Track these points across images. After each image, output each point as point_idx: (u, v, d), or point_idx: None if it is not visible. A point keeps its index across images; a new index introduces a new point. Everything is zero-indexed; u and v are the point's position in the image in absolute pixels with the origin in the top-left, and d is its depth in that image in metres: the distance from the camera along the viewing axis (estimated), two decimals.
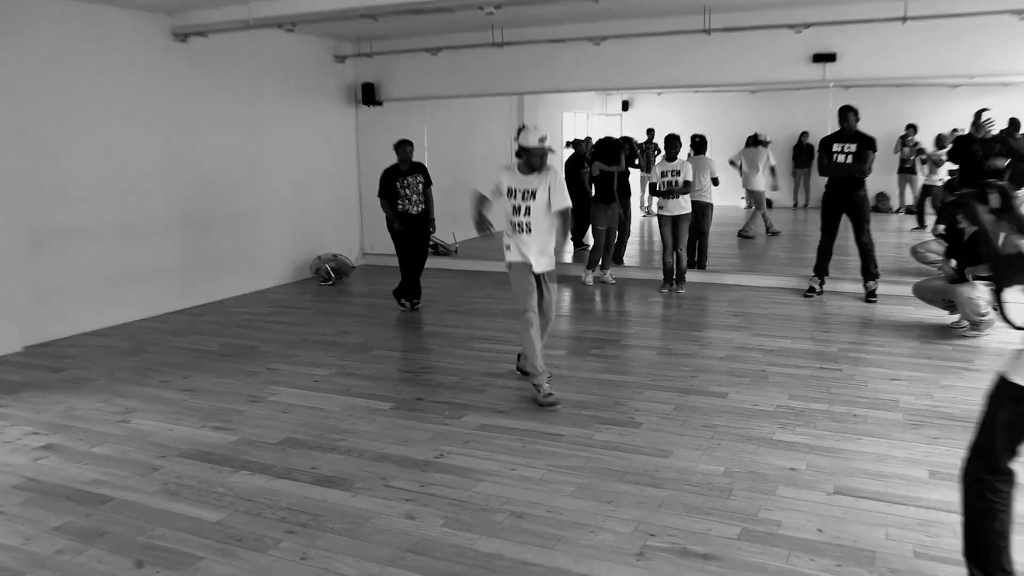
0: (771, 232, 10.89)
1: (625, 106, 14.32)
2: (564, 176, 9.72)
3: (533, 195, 4.43)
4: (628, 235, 8.71)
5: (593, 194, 8.06)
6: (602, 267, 8.09)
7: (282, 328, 6.43)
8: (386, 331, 6.57)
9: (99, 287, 6.43)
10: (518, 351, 4.96)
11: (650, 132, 12.62)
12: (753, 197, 10.87)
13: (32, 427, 4.17)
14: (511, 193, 4.45)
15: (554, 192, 4.42)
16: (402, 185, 6.89)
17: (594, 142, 9.31)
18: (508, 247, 4.49)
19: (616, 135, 9.64)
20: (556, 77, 8.39)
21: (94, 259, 6.37)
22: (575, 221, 9.94)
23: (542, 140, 4.37)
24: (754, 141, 10.85)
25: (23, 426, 4.20)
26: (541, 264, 4.48)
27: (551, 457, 3.68)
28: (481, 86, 8.67)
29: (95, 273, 6.40)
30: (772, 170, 10.91)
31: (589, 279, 8.10)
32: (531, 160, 4.38)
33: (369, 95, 9.10)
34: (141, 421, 4.27)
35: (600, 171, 7.91)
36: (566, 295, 7.86)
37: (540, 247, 4.46)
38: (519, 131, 4.47)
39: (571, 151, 10.00)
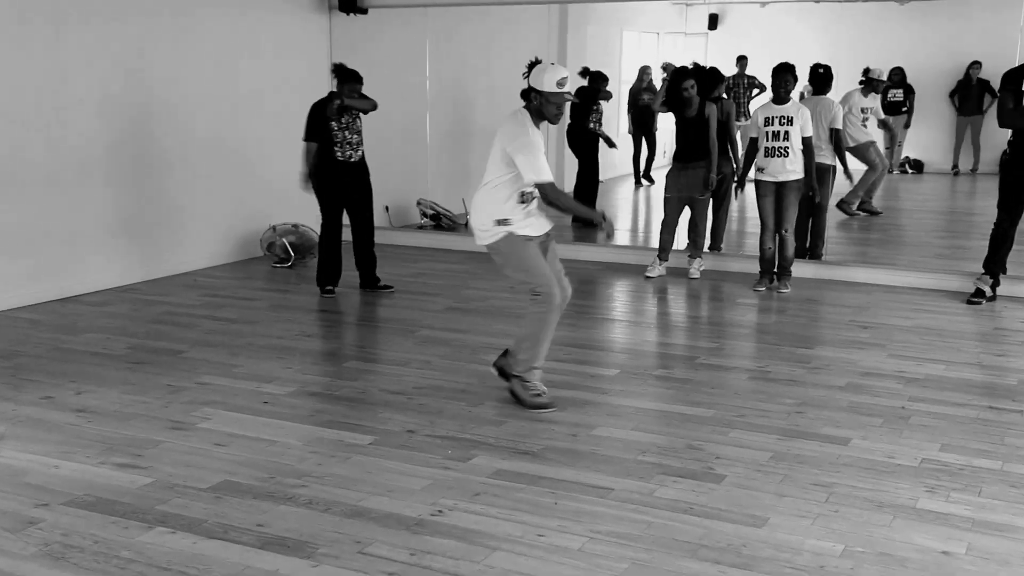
0: (850, 210, 10.51)
1: (713, 22, 14.21)
2: (571, 120, 9.95)
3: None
4: (726, 208, 8.64)
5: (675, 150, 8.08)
6: (690, 256, 8.07)
7: (218, 326, 6.47)
8: (366, 334, 6.58)
9: None
10: (508, 346, 5.04)
11: (741, 61, 12.51)
12: (859, 155, 10.65)
13: None
14: None
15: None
16: (339, 126, 7.04)
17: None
18: (506, 221, 4.71)
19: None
20: None
21: None
22: (583, 182, 10.08)
23: (562, 83, 4.62)
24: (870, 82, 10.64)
25: None
26: (545, 224, 4.88)
27: (595, 520, 3.67)
28: None
29: None
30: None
31: (654, 271, 8.09)
32: (548, 110, 4.66)
33: None
34: (13, 453, 4.29)
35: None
36: (621, 293, 7.84)
37: (536, 209, 4.87)
38: (532, 66, 4.70)
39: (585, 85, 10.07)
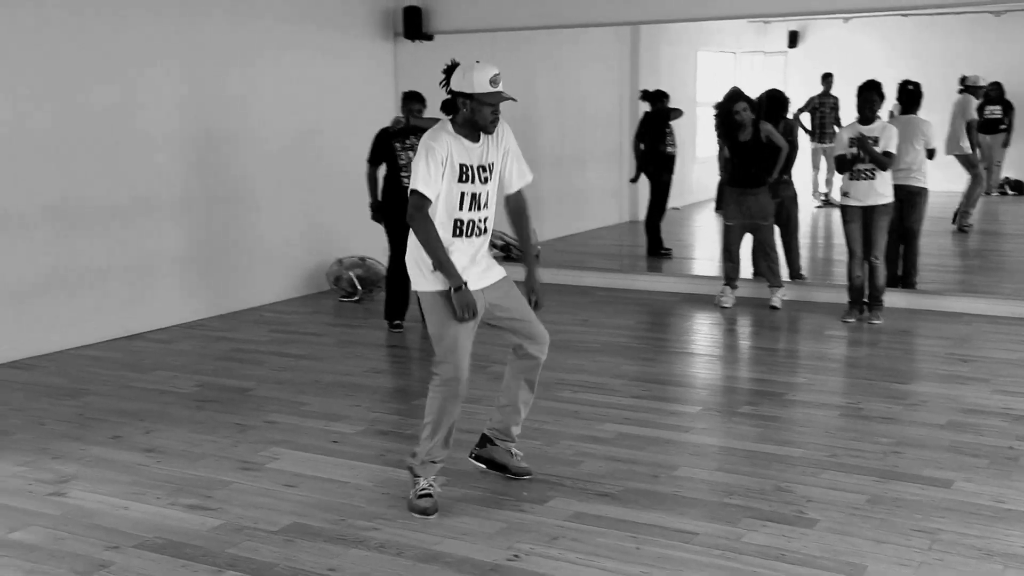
0: (961, 226, 10.42)
1: (793, 40, 14.16)
2: (640, 141, 9.91)
3: (490, 172, 4.21)
4: (795, 235, 8.57)
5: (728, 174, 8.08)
6: (770, 285, 8.01)
7: (286, 363, 6.57)
8: None
9: (23, 298, 6.71)
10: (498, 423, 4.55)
11: (827, 79, 12.43)
12: (964, 164, 10.52)
13: None
14: (464, 174, 4.09)
15: (516, 159, 4.32)
16: (403, 147, 7.11)
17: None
18: (434, 266, 4.07)
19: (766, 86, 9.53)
20: None
21: (17, 258, 6.65)
22: (652, 208, 9.98)
23: (495, 80, 4.09)
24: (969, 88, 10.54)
25: None
26: (492, 274, 4.28)
27: (680, 566, 3.64)
28: (578, 13, 8.71)
29: (18, 279, 6.67)
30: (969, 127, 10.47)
31: (728, 300, 8.04)
32: (482, 115, 4.08)
33: (414, 25, 9.27)
34: (82, 495, 4.39)
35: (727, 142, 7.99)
36: (700, 325, 7.78)
37: (486, 252, 4.28)
38: (450, 70, 4.15)
39: (648, 106, 10.07)
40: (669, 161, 10.11)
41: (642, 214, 10.55)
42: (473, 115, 4.09)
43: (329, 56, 8.92)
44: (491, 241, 10.28)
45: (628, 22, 9.44)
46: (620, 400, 5.66)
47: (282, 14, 8.43)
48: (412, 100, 7.23)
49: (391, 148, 7.14)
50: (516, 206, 4.46)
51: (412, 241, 4.15)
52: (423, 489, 4.14)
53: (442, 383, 4.13)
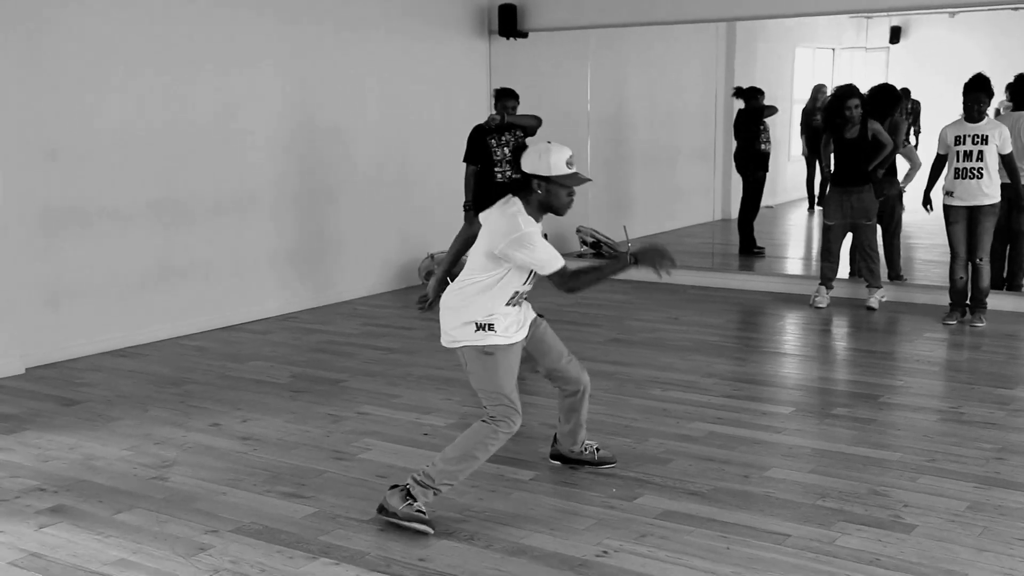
0: None
1: (895, 35, 13.79)
2: (737, 137, 9.79)
3: None
4: (897, 234, 8.39)
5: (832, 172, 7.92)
6: (868, 285, 7.86)
7: (378, 356, 6.67)
8: (525, 366, 6.64)
9: (130, 290, 6.95)
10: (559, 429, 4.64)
11: (902, 93, 12.14)
12: None
13: (36, 480, 4.54)
14: None
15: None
16: (499, 143, 7.12)
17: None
18: (490, 326, 4.05)
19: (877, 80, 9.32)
20: None
21: (124, 251, 6.89)
22: (746, 206, 9.87)
23: (571, 162, 4.03)
24: None
25: (24, 478, 4.56)
26: (529, 316, 4.33)
27: (771, 568, 3.61)
28: (673, 9, 8.70)
29: (125, 271, 6.91)
30: None
31: (823, 300, 7.90)
32: (558, 198, 4.03)
33: (509, 22, 9.33)
34: (183, 479, 4.54)
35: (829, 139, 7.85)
36: (792, 325, 7.67)
37: (528, 307, 4.33)
38: (517, 153, 4.13)
39: (742, 103, 9.92)
40: (763, 159, 9.98)
41: (735, 212, 10.44)
42: (548, 197, 4.04)
43: (424, 54, 9.02)
44: (582, 239, 10.34)
45: (725, 18, 9.35)
46: (711, 399, 5.62)
47: (378, 14, 8.56)
48: (506, 97, 7.27)
49: (486, 145, 7.18)
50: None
51: (450, 304, 4.15)
52: (420, 509, 3.92)
53: (499, 428, 4.02)
